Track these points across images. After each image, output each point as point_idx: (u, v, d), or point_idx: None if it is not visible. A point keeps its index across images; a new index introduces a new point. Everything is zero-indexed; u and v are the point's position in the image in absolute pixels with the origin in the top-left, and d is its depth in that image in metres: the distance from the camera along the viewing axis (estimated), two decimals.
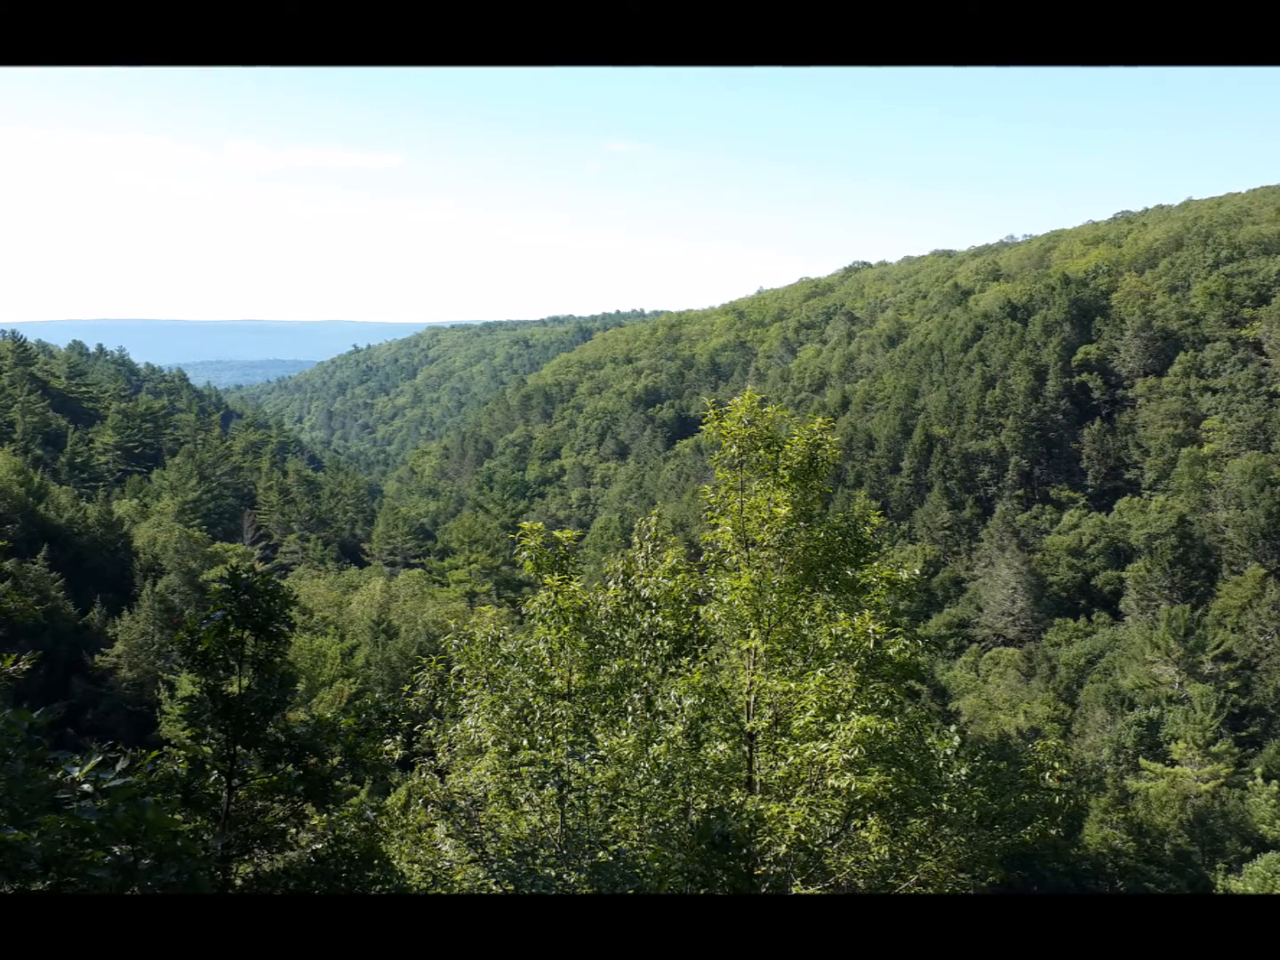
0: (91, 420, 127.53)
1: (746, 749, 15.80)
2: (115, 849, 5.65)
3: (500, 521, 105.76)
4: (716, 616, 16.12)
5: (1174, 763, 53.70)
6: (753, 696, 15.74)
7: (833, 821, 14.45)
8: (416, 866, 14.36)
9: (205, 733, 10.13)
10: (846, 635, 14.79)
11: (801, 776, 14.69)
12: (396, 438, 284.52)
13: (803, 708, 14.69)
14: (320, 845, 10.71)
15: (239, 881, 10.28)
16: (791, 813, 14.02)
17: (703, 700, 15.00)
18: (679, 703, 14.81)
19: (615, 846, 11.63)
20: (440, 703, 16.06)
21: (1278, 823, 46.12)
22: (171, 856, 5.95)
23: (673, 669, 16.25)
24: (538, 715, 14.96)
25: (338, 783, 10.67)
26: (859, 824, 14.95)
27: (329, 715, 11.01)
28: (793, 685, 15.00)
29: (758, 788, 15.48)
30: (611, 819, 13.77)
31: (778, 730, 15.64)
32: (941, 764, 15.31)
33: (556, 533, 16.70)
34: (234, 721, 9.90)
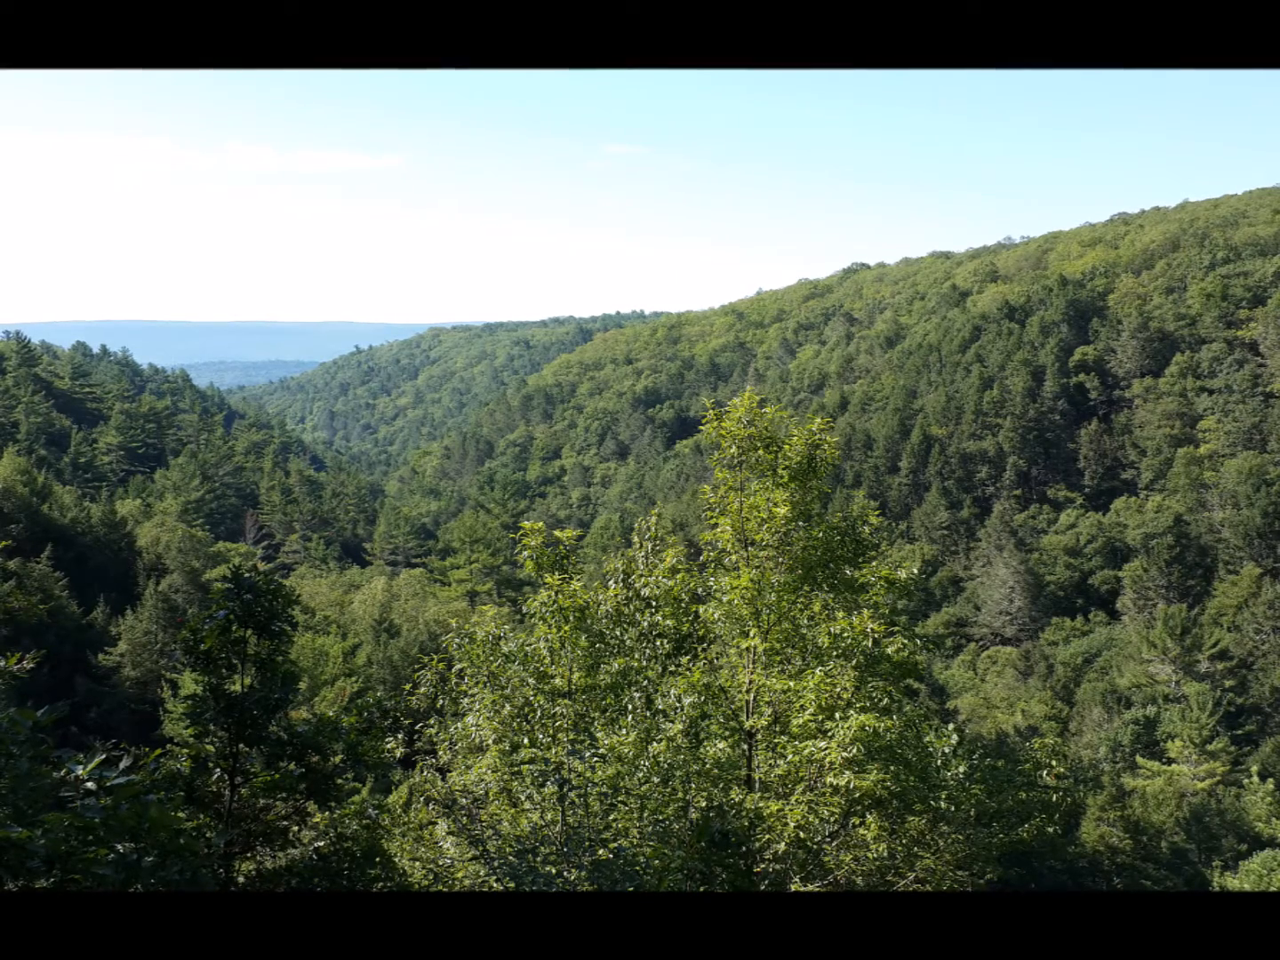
0: (95, 420, 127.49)
1: (746, 747, 15.82)
2: (119, 847, 5.66)
3: (501, 521, 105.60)
4: (716, 615, 16.14)
5: (1170, 761, 53.68)
6: (752, 695, 15.75)
7: (831, 819, 14.47)
8: (418, 864, 14.38)
9: (208, 731, 10.16)
10: (845, 634, 14.80)
11: (800, 774, 14.71)
12: (398, 438, 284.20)
13: (801, 706, 14.71)
14: (322, 843, 10.73)
15: (241, 879, 10.30)
16: (790, 810, 14.04)
17: (702, 699, 15.02)
18: (679, 701, 14.82)
19: (615, 844, 11.65)
20: (441, 701, 16.07)
21: (1273, 820, 46.10)
22: (174, 854, 5.97)
23: (672, 668, 16.27)
24: (538, 713, 14.98)
25: (339, 781, 10.69)
26: (857, 822, 14.97)
27: (331, 714, 11.03)
28: (792, 684, 15.01)
29: (757, 786, 15.50)
30: (611, 817, 13.78)
31: (777, 729, 15.66)
32: (939, 762, 15.32)
33: (557, 532, 16.70)
34: (236, 720, 9.92)
